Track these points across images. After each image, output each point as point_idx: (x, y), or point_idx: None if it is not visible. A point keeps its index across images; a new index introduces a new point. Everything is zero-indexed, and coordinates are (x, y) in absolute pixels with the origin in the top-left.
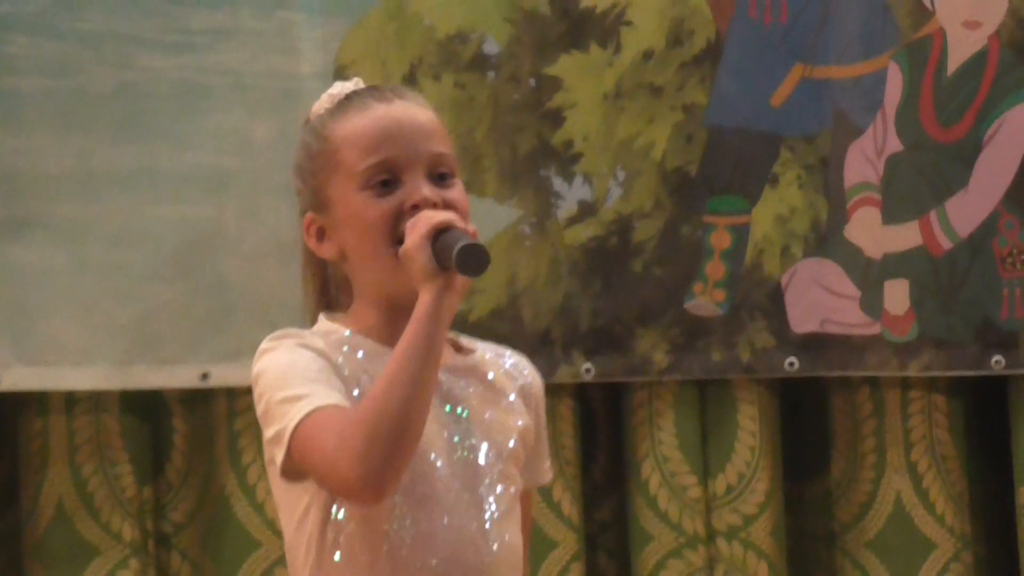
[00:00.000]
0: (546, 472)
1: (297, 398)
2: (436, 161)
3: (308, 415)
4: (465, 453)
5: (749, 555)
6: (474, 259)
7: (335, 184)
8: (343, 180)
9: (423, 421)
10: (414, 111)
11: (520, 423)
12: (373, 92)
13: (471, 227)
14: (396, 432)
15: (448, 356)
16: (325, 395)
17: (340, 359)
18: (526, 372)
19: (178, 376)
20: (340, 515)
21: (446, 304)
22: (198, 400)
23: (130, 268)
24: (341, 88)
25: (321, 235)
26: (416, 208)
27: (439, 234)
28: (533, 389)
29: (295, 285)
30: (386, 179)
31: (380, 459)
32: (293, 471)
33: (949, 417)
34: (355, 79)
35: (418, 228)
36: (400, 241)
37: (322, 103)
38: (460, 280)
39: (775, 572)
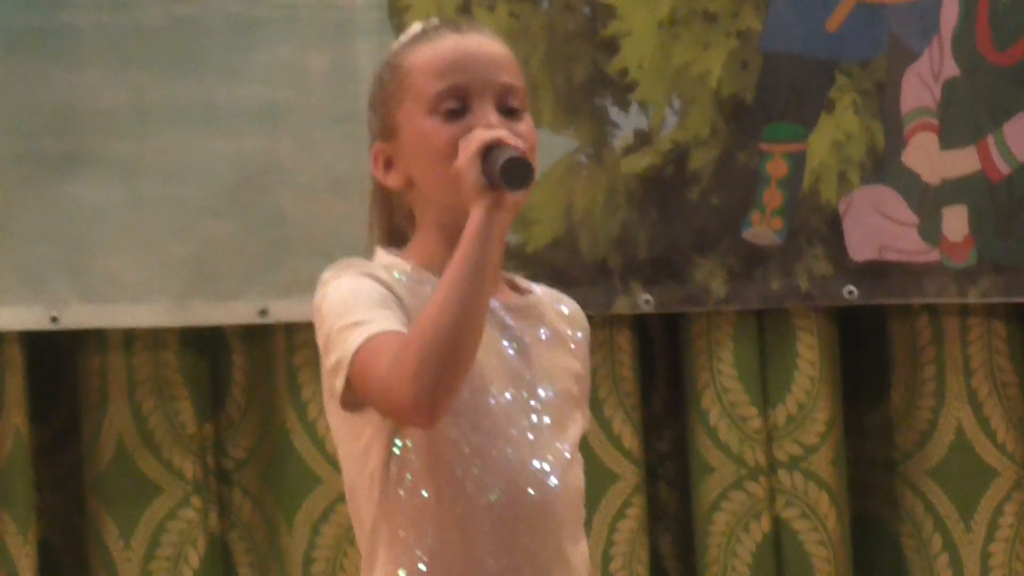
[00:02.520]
0: (587, 417)
1: (357, 324)
2: (506, 92)
3: (367, 340)
4: (527, 392)
5: (810, 485)
6: (517, 172)
7: (404, 110)
8: (412, 105)
9: (476, 341)
10: (488, 42)
11: (578, 367)
12: (449, 23)
13: (522, 143)
14: (448, 352)
15: (507, 295)
16: (385, 321)
17: (403, 291)
18: (579, 319)
19: (236, 312)
20: (403, 449)
21: (497, 222)
22: (257, 335)
23: (186, 203)
24: (419, 26)
25: (388, 165)
26: None
27: (488, 151)
28: (584, 332)
29: (351, 218)
30: (455, 106)
31: (432, 380)
32: (353, 400)
33: (1009, 344)
34: (434, 18)
35: (469, 146)
36: None
37: (400, 40)
38: (511, 198)
39: (836, 502)
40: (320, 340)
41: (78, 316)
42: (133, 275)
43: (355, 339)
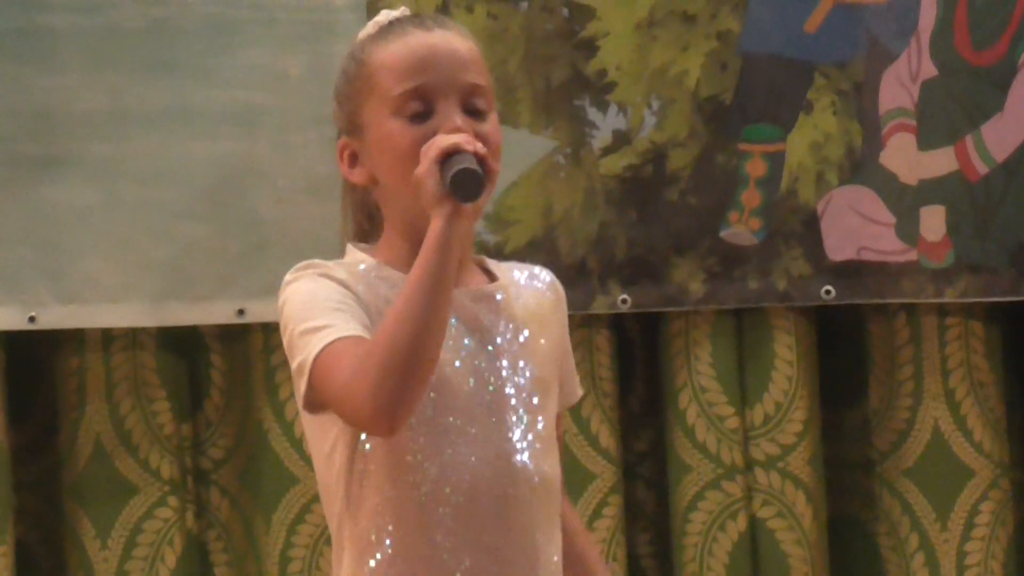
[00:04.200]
0: (576, 389)
1: (318, 329)
2: (471, 91)
3: (328, 346)
4: (490, 383)
5: (787, 484)
6: (467, 184)
7: (369, 108)
8: (377, 105)
9: (436, 351)
10: (454, 40)
11: (549, 347)
12: (415, 20)
13: (480, 147)
14: (408, 363)
15: (473, 281)
16: (345, 326)
17: (362, 288)
18: (548, 286)
19: (214, 312)
20: (366, 448)
21: (456, 230)
22: (234, 336)
23: (163, 205)
24: (386, 16)
25: (353, 160)
26: None
27: (447, 159)
28: (559, 304)
29: (328, 220)
30: (419, 109)
31: (392, 390)
32: (316, 403)
33: (986, 343)
34: (403, 8)
35: (428, 153)
36: None
37: (367, 29)
38: (469, 205)
39: (813, 501)
40: (284, 342)
41: (56, 316)
42: (111, 276)
43: (315, 345)
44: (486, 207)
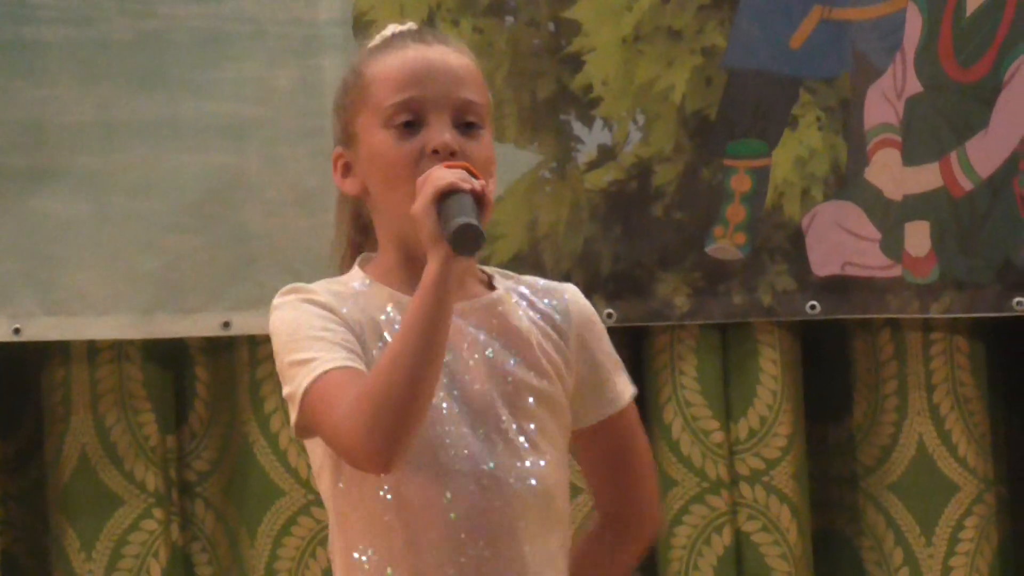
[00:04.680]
0: (619, 396)
1: (304, 362)
2: (464, 107)
3: (314, 381)
4: (478, 395)
5: (772, 499)
6: (467, 240)
7: (362, 119)
8: (370, 116)
9: (431, 392)
10: (450, 56)
11: (554, 359)
12: (416, 34)
13: (478, 184)
14: (403, 404)
15: (468, 295)
16: (330, 356)
17: (347, 308)
18: (563, 304)
19: (200, 325)
20: (349, 467)
21: (452, 272)
22: (220, 349)
23: (152, 217)
24: (391, 29)
25: (347, 170)
26: (436, 153)
27: (444, 198)
28: (573, 319)
29: (317, 233)
30: (410, 119)
31: (386, 432)
32: (306, 429)
33: (971, 359)
34: (410, 23)
35: (424, 191)
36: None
37: (372, 41)
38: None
39: (798, 516)
40: (277, 366)
41: (41, 328)
42: (98, 288)
43: (303, 378)
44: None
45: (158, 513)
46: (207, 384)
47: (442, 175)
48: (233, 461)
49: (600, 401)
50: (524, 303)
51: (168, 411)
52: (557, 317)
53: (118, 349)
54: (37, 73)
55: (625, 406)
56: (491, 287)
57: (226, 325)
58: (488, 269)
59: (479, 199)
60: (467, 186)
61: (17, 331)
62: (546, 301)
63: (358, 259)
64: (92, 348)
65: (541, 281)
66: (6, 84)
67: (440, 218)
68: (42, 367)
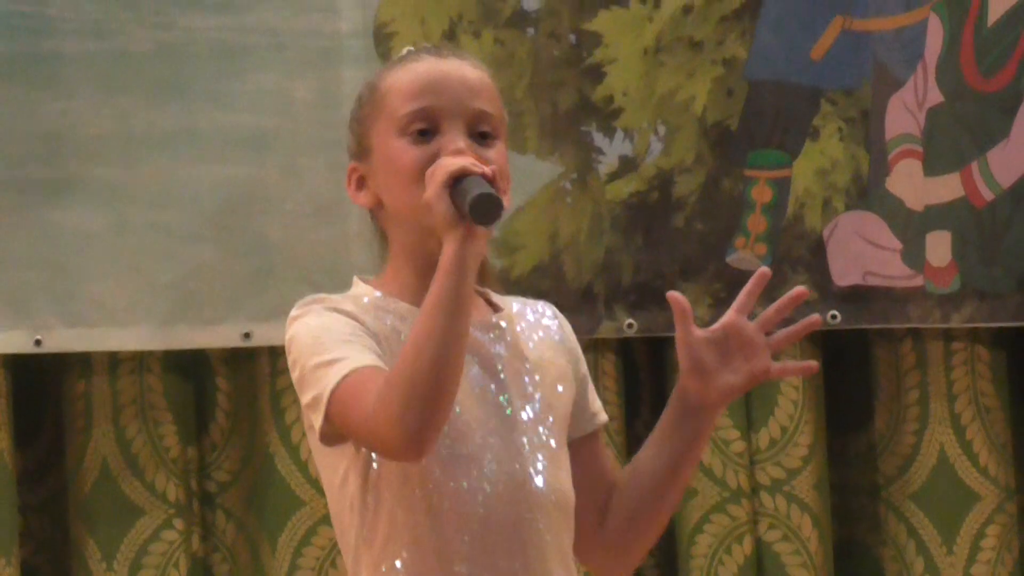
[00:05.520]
0: (599, 411)
1: (332, 362)
2: (478, 117)
3: (344, 378)
4: (503, 409)
5: (793, 508)
6: (487, 208)
7: (377, 130)
8: (385, 126)
9: (458, 374)
10: (465, 68)
11: (557, 373)
12: (431, 49)
13: (488, 169)
14: (431, 389)
15: (479, 313)
16: (359, 357)
17: (370, 319)
18: (551, 317)
19: (220, 335)
20: (379, 478)
21: (470, 253)
22: (241, 359)
23: (171, 229)
24: (407, 49)
25: (361, 184)
26: None
27: (457, 181)
28: (566, 334)
29: (335, 244)
30: (424, 128)
31: (418, 417)
32: (332, 435)
33: (992, 368)
34: (422, 44)
35: (435, 177)
36: None
37: (388, 62)
38: (481, 227)
39: (819, 525)
40: (294, 376)
41: (62, 340)
42: (118, 300)
43: (331, 378)
44: (493, 231)
45: (179, 523)
46: (228, 395)
47: (451, 161)
48: (254, 472)
49: (587, 414)
50: (530, 318)
51: (189, 422)
52: (555, 333)
53: (139, 360)
54: (57, 85)
55: (605, 422)
56: (491, 304)
57: (246, 336)
58: (480, 289)
59: (492, 182)
60: (478, 169)
61: (38, 342)
62: (545, 318)
63: (355, 277)
64: (113, 359)
65: (518, 298)
66: (26, 96)
67: (455, 201)
68: (63, 378)
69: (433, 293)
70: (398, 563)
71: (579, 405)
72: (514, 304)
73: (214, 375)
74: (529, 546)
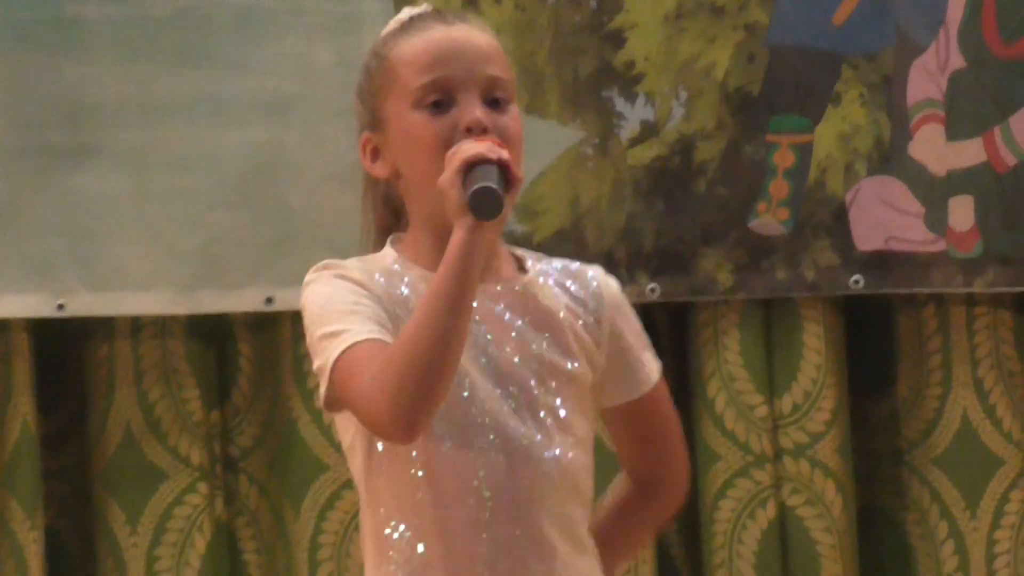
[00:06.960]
0: (648, 376)
1: (335, 335)
2: (491, 84)
3: (345, 351)
4: (509, 377)
5: (816, 473)
6: (485, 203)
7: (391, 102)
8: (398, 98)
9: (455, 361)
10: (474, 34)
11: (574, 343)
12: (436, 15)
13: (504, 154)
14: (426, 373)
15: (502, 272)
16: (361, 328)
17: (380, 285)
18: (594, 287)
19: (243, 300)
20: (379, 447)
21: (478, 241)
22: (263, 324)
23: (193, 194)
24: (408, 12)
25: (376, 155)
26: (469, 131)
27: (471, 168)
28: (605, 301)
29: (356, 210)
30: (439, 99)
31: (410, 400)
32: (336, 403)
33: (1015, 333)
34: (425, 5)
35: (452, 163)
36: None
37: (389, 27)
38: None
39: (842, 490)
40: (307, 343)
41: (85, 304)
42: (140, 265)
43: (333, 350)
44: (507, 217)
45: (202, 487)
46: (250, 359)
47: (470, 147)
48: (277, 436)
49: (632, 381)
50: (555, 286)
51: (212, 386)
52: (589, 300)
53: (161, 325)
54: (77, 51)
55: (655, 384)
56: (523, 269)
57: (269, 301)
58: (518, 251)
59: (506, 170)
60: (494, 156)
61: (61, 307)
62: (577, 284)
63: (390, 238)
64: (135, 324)
65: (572, 264)
66: (47, 62)
67: (465, 188)
68: (85, 343)
69: (438, 278)
70: (401, 526)
71: (623, 372)
72: (554, 265)
73: (237, 340)
74: (529, 513)
